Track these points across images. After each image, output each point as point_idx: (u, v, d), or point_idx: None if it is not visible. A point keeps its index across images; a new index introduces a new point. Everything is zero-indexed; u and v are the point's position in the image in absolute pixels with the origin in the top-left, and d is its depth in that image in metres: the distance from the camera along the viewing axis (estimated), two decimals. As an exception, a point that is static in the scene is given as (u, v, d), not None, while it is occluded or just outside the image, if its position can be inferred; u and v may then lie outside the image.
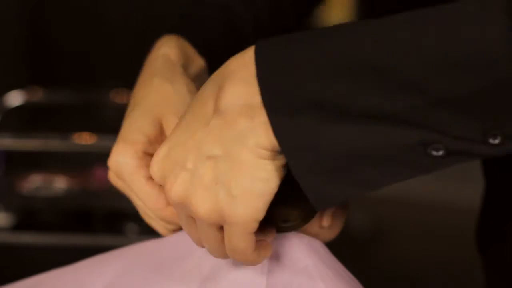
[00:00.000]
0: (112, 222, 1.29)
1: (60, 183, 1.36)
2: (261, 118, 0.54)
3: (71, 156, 1.38)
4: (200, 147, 0.57)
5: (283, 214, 0.65)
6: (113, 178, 0.70)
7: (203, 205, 0.57)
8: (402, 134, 0.52)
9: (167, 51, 0.74)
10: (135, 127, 0.69)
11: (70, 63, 2.29)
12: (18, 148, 1.37)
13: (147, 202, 0.68)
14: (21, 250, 1.27)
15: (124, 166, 0.68)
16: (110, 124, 0.94)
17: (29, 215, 1.32)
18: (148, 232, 1.27)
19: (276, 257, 0.65)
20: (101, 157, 0.89)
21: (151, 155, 0.67)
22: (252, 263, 0.61)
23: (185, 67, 0.74)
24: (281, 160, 0.56)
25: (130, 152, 0.68)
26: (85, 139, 1.34)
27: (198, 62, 0.77)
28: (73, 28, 2.27)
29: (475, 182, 0.90)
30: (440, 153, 0.52)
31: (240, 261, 0.61)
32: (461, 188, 2.51)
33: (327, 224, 0.69)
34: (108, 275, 0.68)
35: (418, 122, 0.51)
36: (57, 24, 2.31)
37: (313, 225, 0.68)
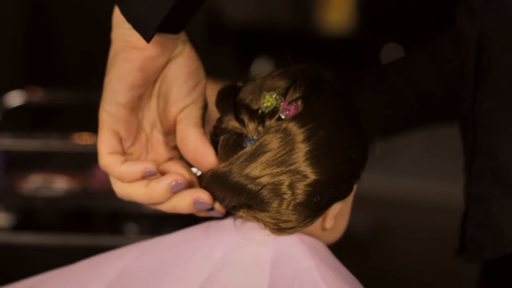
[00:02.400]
0: (112, 222, 1.29)
1: (60, 183, 1.36)
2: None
3: (71, 156, 1.38)
4: None
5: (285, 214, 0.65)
6: None
7: None
8: None
9: None
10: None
11: (70, 63, 2.29)
12: (18, 148, 1.37)
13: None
14: (21, 250, 1.27)
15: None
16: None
17: (29, 215, 1.32)
18: (148, 232, 1.28)
19: (278, 258, 0.65)
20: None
21: None
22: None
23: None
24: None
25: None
26: (85, 139, 1.34)
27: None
28: (73, 28, 2.27)
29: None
30: None
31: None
32: (461, 189, 2.51)
33: (329, 226, 0.69)
34: (109, 275, 0.68)
35: None
36: (57, 24, 2.32)
37: (315, 227, 0.68)
